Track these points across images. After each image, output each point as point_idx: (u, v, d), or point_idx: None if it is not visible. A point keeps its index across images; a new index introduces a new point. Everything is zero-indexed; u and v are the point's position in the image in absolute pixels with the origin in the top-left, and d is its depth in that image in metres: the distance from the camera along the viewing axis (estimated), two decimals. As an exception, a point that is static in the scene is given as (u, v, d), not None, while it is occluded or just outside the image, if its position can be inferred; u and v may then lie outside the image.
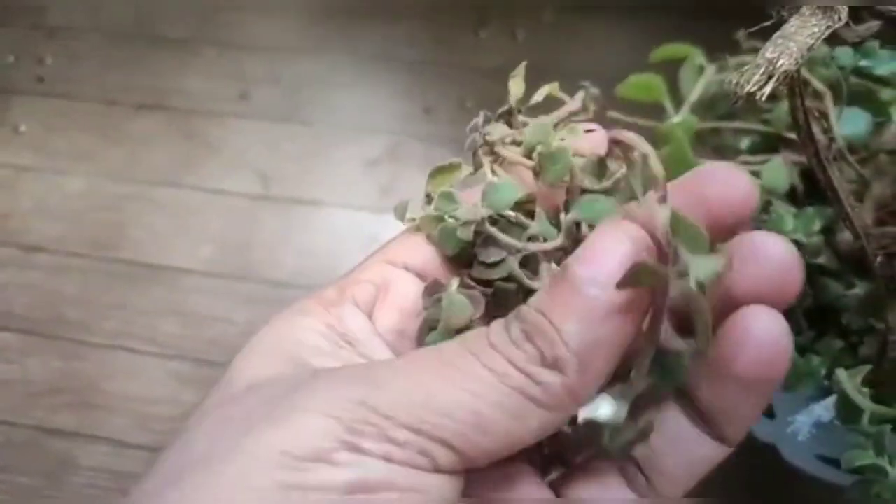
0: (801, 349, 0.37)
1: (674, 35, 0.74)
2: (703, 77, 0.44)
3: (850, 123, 0.40)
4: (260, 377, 0.18)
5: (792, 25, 0.24)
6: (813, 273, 0.37)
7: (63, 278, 0.70)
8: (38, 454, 0.63)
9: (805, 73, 0.40)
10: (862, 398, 0.29)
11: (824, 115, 0.38)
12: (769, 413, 0.46)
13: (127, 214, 0.72)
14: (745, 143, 0.41)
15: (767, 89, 0.24)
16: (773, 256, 0.18)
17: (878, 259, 0.30)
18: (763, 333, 0.18)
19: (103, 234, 0.71)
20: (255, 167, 0.73)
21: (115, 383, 0.65)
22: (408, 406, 0.16)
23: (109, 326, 0.68)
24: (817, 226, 0.34)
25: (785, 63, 0.24)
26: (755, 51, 0.40)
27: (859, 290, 0.34)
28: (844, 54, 0.39)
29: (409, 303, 0.21)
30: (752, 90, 0.24)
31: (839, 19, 0.25)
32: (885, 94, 0.40)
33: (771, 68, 0.24)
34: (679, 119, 0.37)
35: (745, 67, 0.24)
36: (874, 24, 0.30)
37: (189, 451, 0.16)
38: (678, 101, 0.42)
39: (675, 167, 0.35)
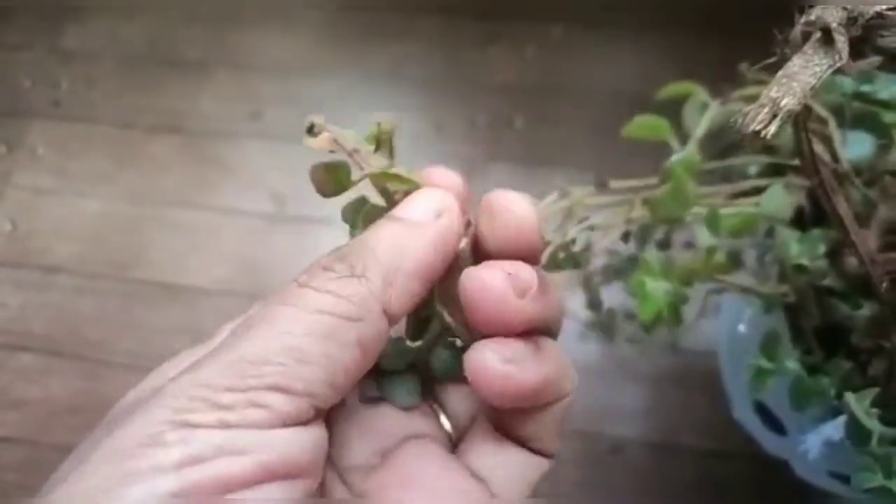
0: (811, 369, 0.38)
1: (681, 51, 0.75)
2: (707, 113, 0.44)
3: (855, 146, 0.41)
4: (134, 397, 0.19)
5: (795, 65, 0.25)
6: (821, 294, 0.38)
7: (82, 299, 0.71)
8: (61, 473, 0.65)
9: (813, 104, 0.41)
10: (871, 420, 0.30)
11: (828, 140, 0.39)
12: (781, 430, 0.46)
13: (144, 235, 0.74)
14: (752, 168, 0.42)
15: (773, 128, 0.25)
16: (514, 211, 0.19)
17: (884, 284, 0.30)
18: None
19: (121, 255, 0.73)
20: (268, 187, 0.74)
21: (134, 402, 0.67)
22: (225, 369, 0.17)
23: (128, 346, 0.69)
24: (822, 250, 0.34)
25: (789, 103, 0.24)
26: (759, 82, 0.42)
27: (867, 310, 0.35)
28: (846, 80, 0.40)
29: None
30: (758, 129, 0.25)
31: (840, 58, 0.26)
32: (888, 117, 0.41)
33: (775, 108, 0.24)
34: (680, 156, 0.37)
35: (750, 107, 0.24)
36: (875, 60, 0.30)
37: (68, 463, 0.17)
38: (683, 135, 0.42)
39: (674, 204, 0.36)
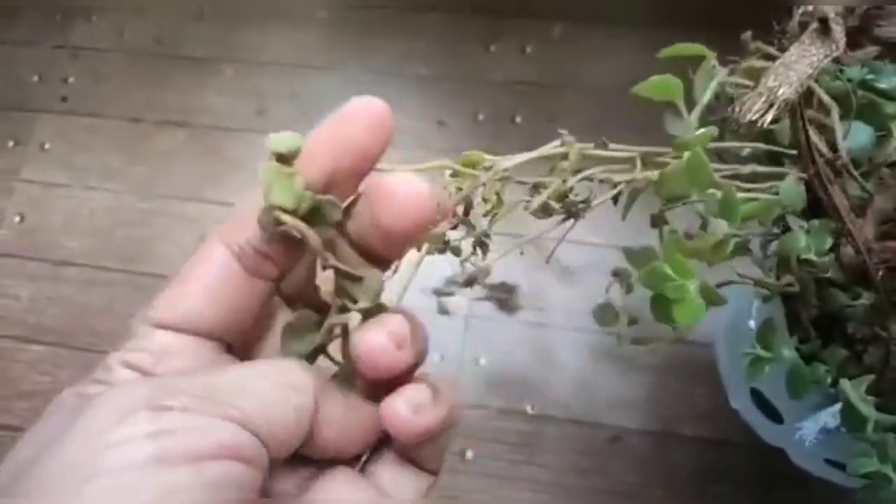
0: (808, 357, 0.39)
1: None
2: (714, 79, 0.44)
3: (854, 137, 0.41)
4: (59, 414, 0.19)
5: (792, 54, 0.26)
6: (819, 284, 0.38)
7: (91, 291, 0.72)
8: (70, 463, 0.66)
9: (813, 85, 0.41)
10: (866, 407, 0.31)
11: (828, 129, 0.39)
12: (777, 419, 0.47)
13: (152, 229, 0.74)
14: (746, 150, 0.43)
15: (769, 117, 0.26)
16: (399, 192, 0.21)
17: (880, 273, 0.31)
18: None
19: (129, 248, 0.74)
20: (274, 181, 0.75)
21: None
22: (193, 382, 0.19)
23: (136, 338, 0.70)
24: (828, 243, 0.35)
25: (786, 92, 0.25)
26: (762, 54, 0.41)
27: (865, 300, 0.36)
28: (854, 69, 0.40)
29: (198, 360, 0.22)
30: (754, 118, 0.26)
31: (837, 48, 0.26)
32: (889, 108, 0.42)
33: (772, 97, 0.25)
34: (696, 131, 0.37)
35: (747, 96, 0.25)
36: (872, 50, 0.31)
37: (26, 450, 0.18)
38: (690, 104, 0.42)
39: (691, 181, 0.36)
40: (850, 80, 0.41)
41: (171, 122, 0.79)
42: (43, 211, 0.76)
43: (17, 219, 0.76)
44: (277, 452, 0.19)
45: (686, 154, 0.34)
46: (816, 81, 0.41)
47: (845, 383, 0.31)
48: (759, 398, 0.46)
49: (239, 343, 0.22)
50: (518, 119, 0.75)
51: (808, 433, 0.36)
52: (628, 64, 0.76)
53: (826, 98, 0.41)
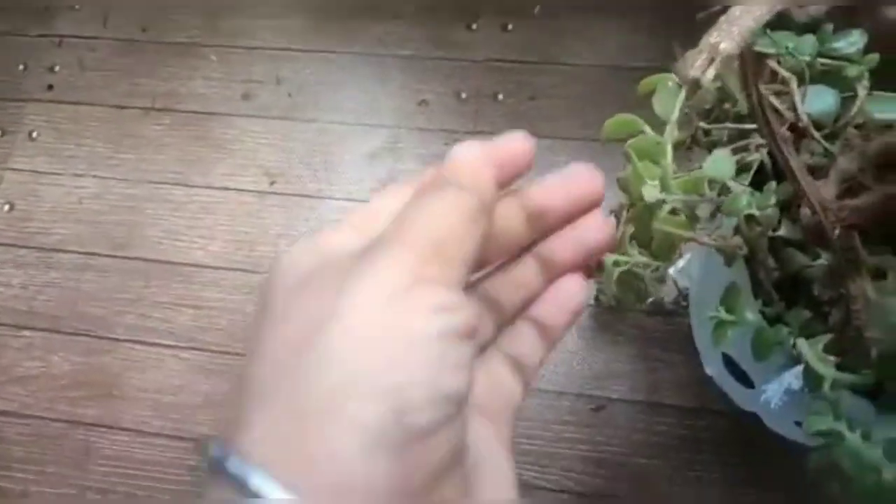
0: (773, 320, 0.39)
1: (662, 26, 0.75)
2: (679, 97, 0.44)
3: (818, 100, 0.41)
4: (312, 266, 0.22)
5: (736, 10, 0.26)
6: (777, 245, 0.39)
7: (82, 276, 0.73)
8: (65, 445, 0.67)
9: (774, 65, 0.42)
10: (823, 366, 0.31)
11: (787, 95, 0.39)
12: (749, 383, 0.48)
13: (141, 214, 0.75)
14: (724, 134, 0.43)
15: (710, 73, 0.26)
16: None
17: (837, 231, 0.31)
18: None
19: (118, 234, 0.74)
20: (260, 165, 0.75)
21: (134, 375, 0.69)
22: (427, 238, 0.21)
23: (127, 321, 0.71)
24: (772, 200, 0.35)
25: (727, 47, 0.25)
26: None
27: (824, 260, 0.36)
28: (806, 43, 0.41)
29: None
30: (696, 75, 0.26)
31: (780, 3, 0.27)
32: (851, 70, 0.42)
33: (714, 52, 0.25)
34: (635, 140, 0.37)
35: (688, 52, 0.25)
36: (822, 6, 0.31)
37: (298, 323, 0.20)
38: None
39: (636, 185, 0.36)
40: (810, 55, 0.42)
41: (157, 108, 0.79)
42: (32, 199, 0.77)
43: (6, 207, 0.76)
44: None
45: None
46: (778, 63, 0.41)
47: (802, 343, 0.31)
48: (730, 363, 0.47)
49: None
50: (500, 97, 0.75)
51: (772, 395, 0.37)
52: (610, 41, 0.76)
53: (784, 72, 0.41)
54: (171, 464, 0.65)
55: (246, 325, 0.69)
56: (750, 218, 0.33)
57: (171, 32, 0.83)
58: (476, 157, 0.23)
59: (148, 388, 0.68)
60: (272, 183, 0.75)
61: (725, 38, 0.25)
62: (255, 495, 0.17)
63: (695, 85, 0.25)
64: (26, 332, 0.71)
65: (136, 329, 0.70)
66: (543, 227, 0.25)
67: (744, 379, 0.47)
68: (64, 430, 0.67)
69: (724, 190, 0.34)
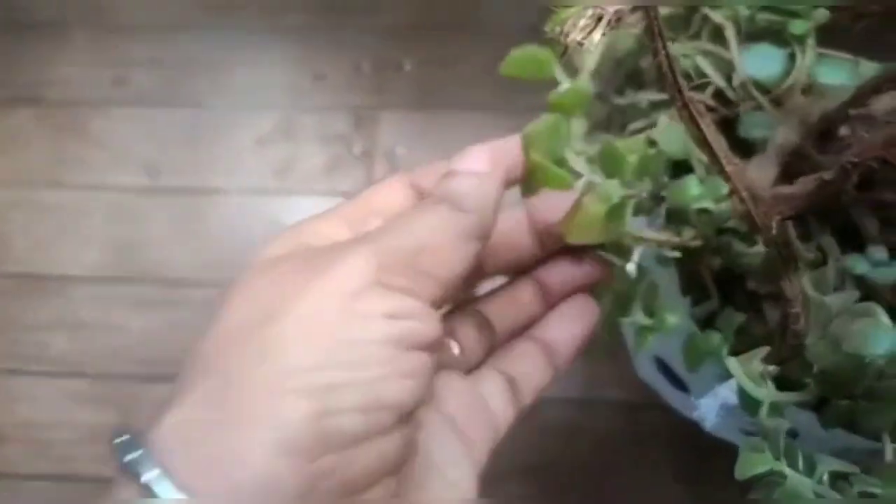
0: (707, 320, 0.33)
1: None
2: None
3: (762, 62, 0.35)
4: (286, 253, 0.22)
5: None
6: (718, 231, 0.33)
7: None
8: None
9: (708, 11, 0.35)
10: (757, 388, 0.25)
11: (725, 61, 0.33)
12: (685, 388, 0.42)
13: (5, 223, 0.66)
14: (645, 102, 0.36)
15: (597, 35, 0.20)
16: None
17: (772, 225, 0.25)
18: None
19: (-19, 247, 0.65)
20: (139, 158, 0.67)
21: (5, 410, 0.60)
22: (404, 248, 0.21)
23: (-4, 349, 0.62)
24: (725, 190, 0.29)
25: (616, 1, 0.19)
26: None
27: (760, 247, 0.30)
28: None
29: None
30: (580, 37, 0.20)
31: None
32: (797, 27, 0.36)
33: (599, 10, 0.19)
34: (564, 88, 0.30)
35: (570, 9, 0.19)
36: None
37: (263, 299, 0.20)
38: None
39: (552, 141, 0.29)
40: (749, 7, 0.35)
41: (19, 99, 0.70)
42: None
43: None
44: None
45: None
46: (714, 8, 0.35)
47: (732, 362, 0.25)
48: (664, 367, 0.41)
49: None
50: (407, 67, 0.67)
51: (707, 411, 0.31)
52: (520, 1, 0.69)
53: (718, 18, 0.35)
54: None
55: (130, 342, 0.61)
56: (704, 211, 0.27)
57: (32, 11, 0.72)
58: (483, 172, 0.22)
59: (22, 423, 0.60)
60: (154, 178, 0.66)
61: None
62: (150, 494, 0.17)
63: (578, 50, 0.19)
64: None
65: (6, 357, 0.62)
66: (548, 242, 0.25)
67: (680, 382, 0.41)
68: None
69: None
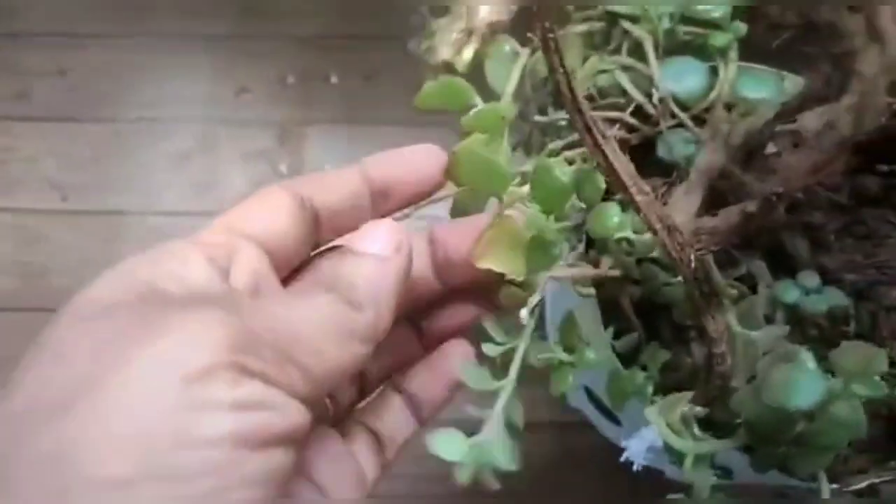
0: (629, 355, 0.31)
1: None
2: (518, 62, 0.33)
3: (682, 76, 0.33)
4: (118, 299, 0.18)
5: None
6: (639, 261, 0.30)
7: None
8: None
9: (628, 25, 0.33)
10: (680, 440, 0.23)
11: (633, 70, 0.31)
12: (616, 421, 0.40)
13: None
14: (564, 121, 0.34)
15: (468, 53, 0.17)
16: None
17: (690, 261, 0.23)
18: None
19: None
20: (46, 177, 0.62)
21: None
22: (273, 331, 0.18)
23: None
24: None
25: (491, 13, 0.16)
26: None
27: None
28: (666, 3, 0.32)
29: (259, 266, 0.21)
30: (448, 57, 0.17)
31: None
32: (718, 39, 0.34)
33: (472, 22, 0.16)
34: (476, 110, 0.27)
35: (440, 22, 0.16)
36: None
37: (68, 368, 0.16)
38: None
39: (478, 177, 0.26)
40: (671, 18, 0.33)
41: (-88, 116, 0.64)
42: None
43: None
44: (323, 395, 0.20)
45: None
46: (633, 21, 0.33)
47: (650, 412, 0.23)
48: (594, 396, 0.39)
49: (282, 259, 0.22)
50: (333, 79, 0.64)
51: (634, 453, 0.28)
52: (455, 4, 0.66)
53: (637, 32, 0.33)
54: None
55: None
56: (627, 241, 0.25)
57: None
58: (384, 256, 0.20)
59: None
60: (63, 199, 0.62)
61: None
62: None
63: (446, 70, 0.16)
64: None
65: None
66: (449, 277, 0.24)
67: (611, 413, 0.39)
68: None
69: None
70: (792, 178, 0.22)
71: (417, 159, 0.24)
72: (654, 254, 0.30)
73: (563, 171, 0.26)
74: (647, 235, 0.29)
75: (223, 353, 0.16)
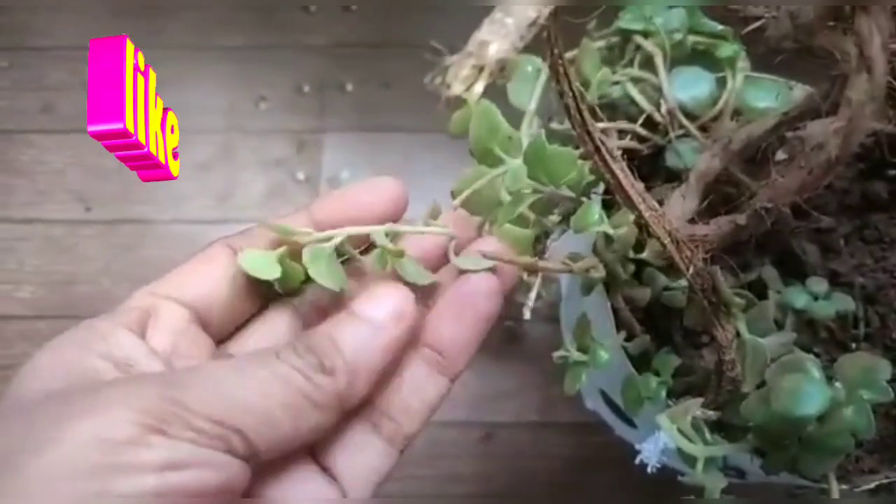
0: (639, 357, 0.31)
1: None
2: (537, 83, 0.34)
3: (690, 85, 0.34)
4: (52, 388, 0.18)
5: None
6: (640, 265, 0.31)
7: None
8: None
9: (640, 40, 0.33)
10: (690, 444, 0.24)
11: (645, 83, 0.31)
12: (632, 423, 0.41)
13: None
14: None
15: (479, 86, 0.18)
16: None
17: (690, 269, 0.24)
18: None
19: None
20: (71, 188, 0.64)
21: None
22: (210, 402, 0.18)
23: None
24: (631, 217, 0.27)
25: (500, 49, 0.17)
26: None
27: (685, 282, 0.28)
28: (674, 16, 0.33)
29: (179, 324, 0.22)
30: (461, 90, 0.18)
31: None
32: (725, 49, 0.34)
33: (482, 58, 0.17)
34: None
35: (452, 58, 0.17)
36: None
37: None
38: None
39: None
40: (675, 30, 0.34)
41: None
42: None
43: None
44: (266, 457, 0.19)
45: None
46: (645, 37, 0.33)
47: (663, 420, 0.24)
48: (610, 399, 0.39)
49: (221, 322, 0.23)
50: (349, 87, 0.65)
51: (649, 455, 0.29)
52: (464, 19, 0.67)
53: (649, 46, 0.33)
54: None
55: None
56: (606, 237, 0.26)
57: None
58: (380, 320, 0.20)
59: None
60: (87, 209, 0.63)
61: (497, 36, 0.16)
62: None
63: (459, 104, 0.17)
64: None
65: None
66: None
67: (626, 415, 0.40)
68: None
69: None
70: (780, 195, 0.23)
71: (364, 197, 0.23)
72: (647, 256, 0.30)
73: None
74: (624, 229, 0.29)
75: (146, 424, 0.17)
